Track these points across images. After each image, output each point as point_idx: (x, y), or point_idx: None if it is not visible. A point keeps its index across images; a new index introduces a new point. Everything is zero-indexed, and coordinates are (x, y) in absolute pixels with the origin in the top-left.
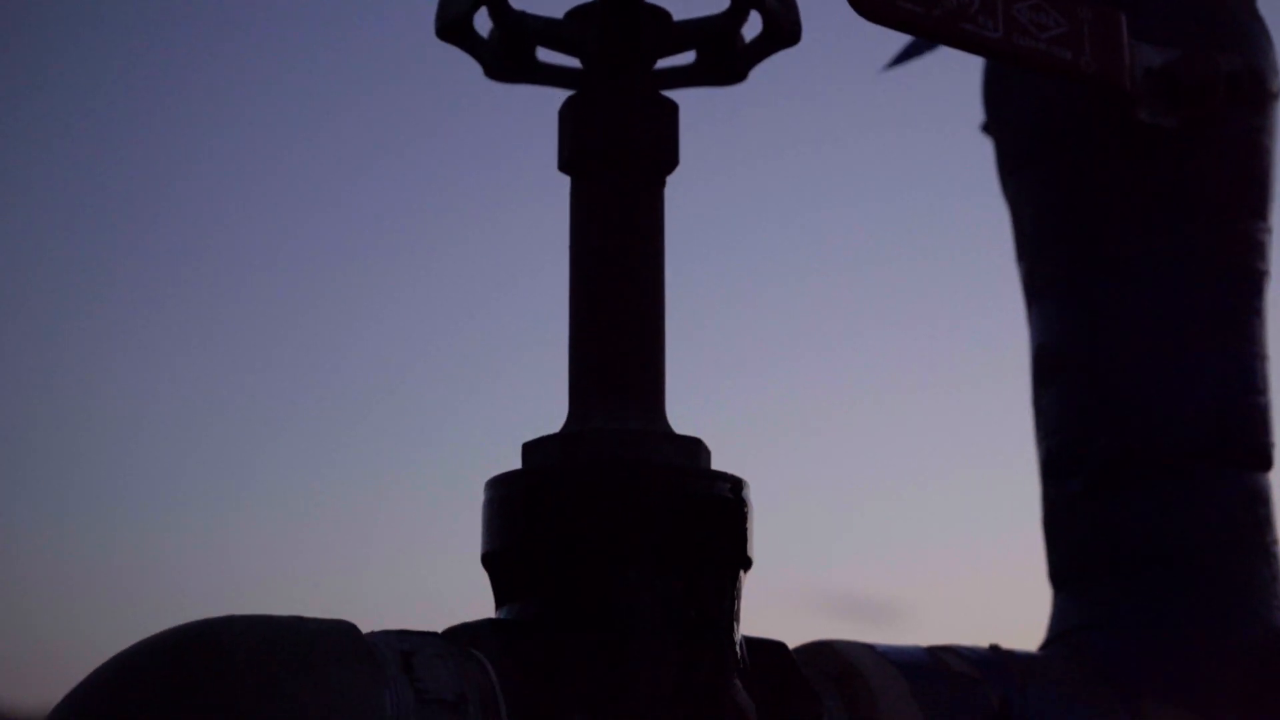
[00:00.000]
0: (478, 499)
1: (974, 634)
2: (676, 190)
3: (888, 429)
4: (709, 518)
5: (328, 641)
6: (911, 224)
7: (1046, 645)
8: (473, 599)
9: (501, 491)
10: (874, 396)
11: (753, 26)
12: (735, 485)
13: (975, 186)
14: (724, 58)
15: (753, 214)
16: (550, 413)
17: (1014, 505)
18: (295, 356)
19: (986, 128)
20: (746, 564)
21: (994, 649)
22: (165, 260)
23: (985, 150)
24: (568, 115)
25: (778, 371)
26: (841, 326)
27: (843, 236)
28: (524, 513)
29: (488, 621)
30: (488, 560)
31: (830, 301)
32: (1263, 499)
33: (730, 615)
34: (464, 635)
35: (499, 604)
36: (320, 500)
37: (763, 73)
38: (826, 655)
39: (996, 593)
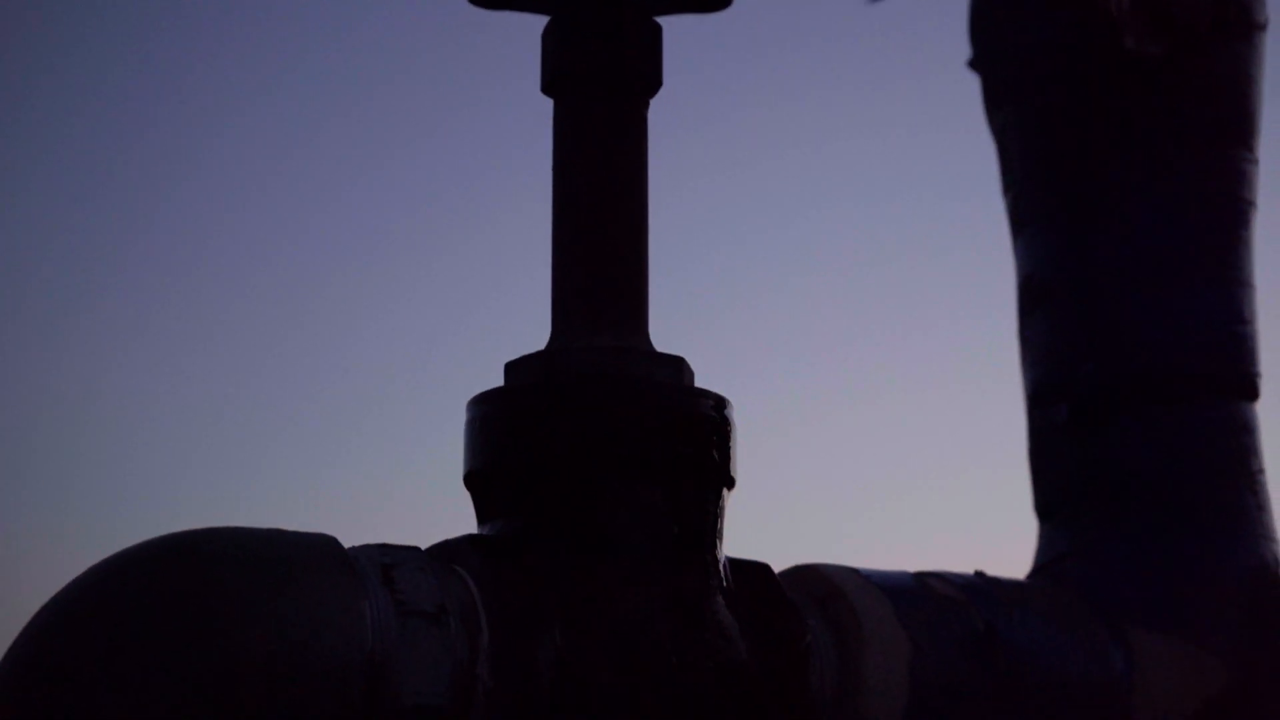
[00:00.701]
0: (459, 423)
1: None
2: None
3: (885, 425)
4: (691, 434)
5: (308, 552)
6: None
7: (1033, 575)
8: (457, 522)
9: (483, 410)
10: (871, 395)
11: None
12: (718, 403)
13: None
14: None
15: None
16: (534, 338)
17: (1014, 503)
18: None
19: (973, 63)
20: (729, 482)
21: (979, 575)
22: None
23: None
24: (550, 38)
25: (776, 369)
26: (841, 324)
27: (834, 225)
28: (506, 430)
29: (468, 537)
30: (470, 480)
31: (828, 300)
32: (1249, 428)
33: (713, 533)
34: (445, 551)
35: (481, 523)
36: (298, 421)
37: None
38: (811, 578)
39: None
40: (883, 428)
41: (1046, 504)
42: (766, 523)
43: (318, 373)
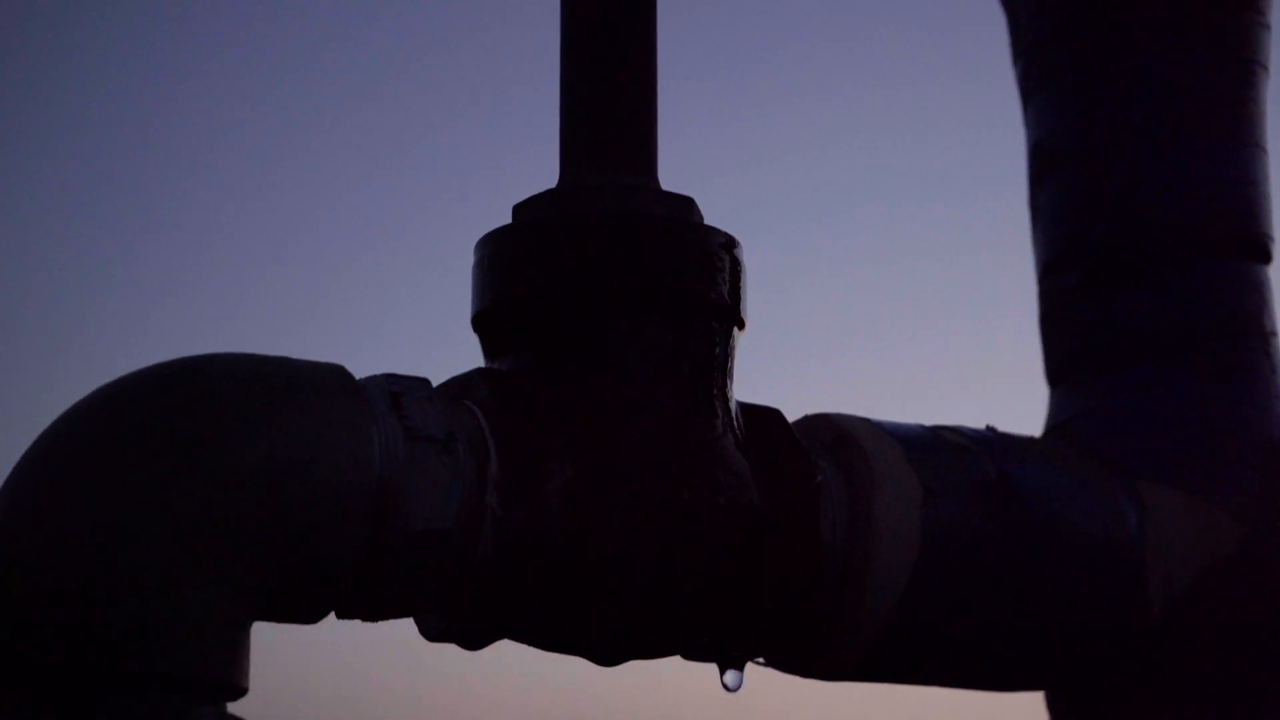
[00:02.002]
0: (467, 267)
1: None
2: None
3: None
4: (702, 271)
5: (316, 376)
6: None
7: (1044, 437)
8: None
9: (492, 248)
10: (867, 396)
11: None
12: (729, 241)
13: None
14: None
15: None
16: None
17: (1025, 374)
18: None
19: None
20: (740, 322)
21: (990, 429)
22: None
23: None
24: None
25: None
26: (841, 323)
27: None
28: (515, 266)
29: (478, 370)
30: (479, 321)
31: (824, 300)
32: (1261, 290)
33: (724, 373)
34: (454, 386)
35: (489, 362)
36: (307, 268)
37: None
38: (821, 426)
39: None
40: (892, 302)
41: (1057, 369)
42: (772, 382)
43: (317, 245)
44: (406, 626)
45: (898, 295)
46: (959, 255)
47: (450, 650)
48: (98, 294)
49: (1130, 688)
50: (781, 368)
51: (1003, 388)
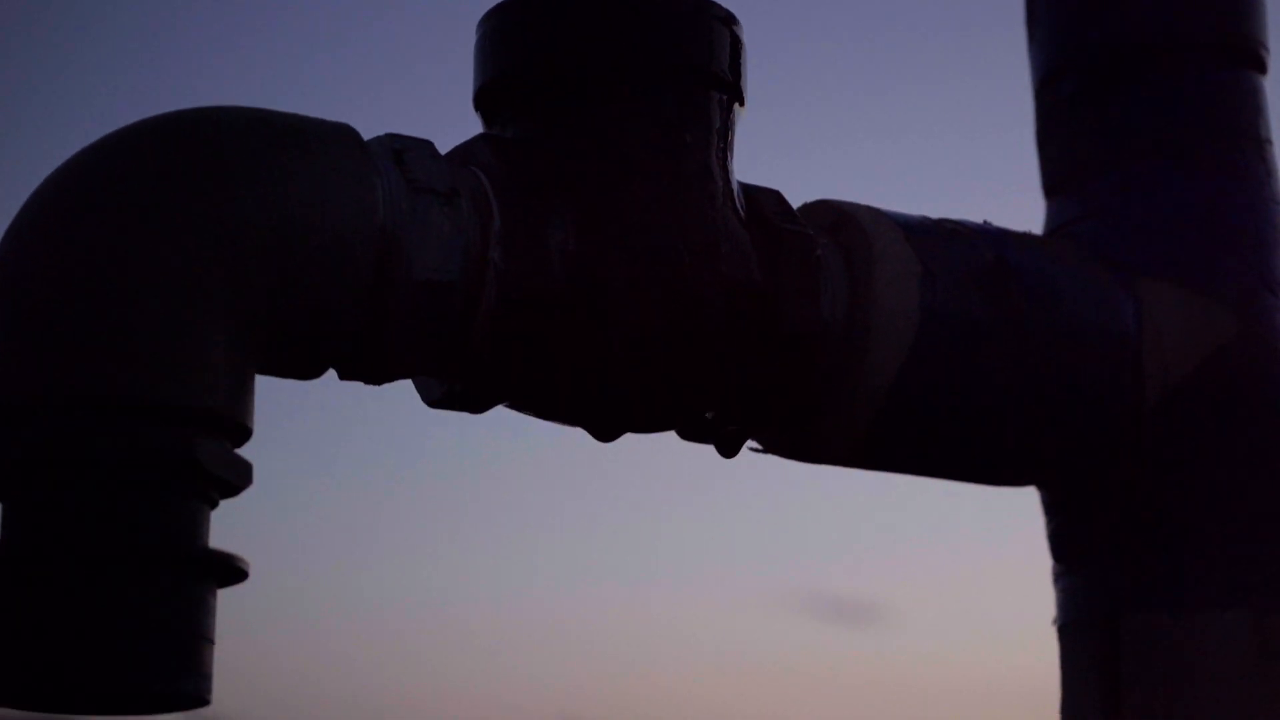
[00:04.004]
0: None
1: (972, 641)
2: None
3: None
4: (703, 42)
5: (322, 128)
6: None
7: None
8: None
9: (495, 22)
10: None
11: None
12: (728, 17)
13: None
14: None
15: None
16: None
17: (1008, 509)
18: None
19: None
20: (740, 98)
21: (987, 223)
22: None
23: None
24: None
25: None
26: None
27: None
28: (518, 39)
29: (481, 135)
30: (481, 97)
31: (817, 115)
32: (1256, 98)
33: (724, 146)
34: (458, 152)
35: None
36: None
37: None
38: (821, 210)
39: (987, 594)
40: (886, 118)
41: (1054, 178)
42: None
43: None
44: (407, 624)
45: (892, 112)
46: (956, 76)
47: (448, 648)
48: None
49: (1125, 481)
50: (775, 179)
51: (997, 209)
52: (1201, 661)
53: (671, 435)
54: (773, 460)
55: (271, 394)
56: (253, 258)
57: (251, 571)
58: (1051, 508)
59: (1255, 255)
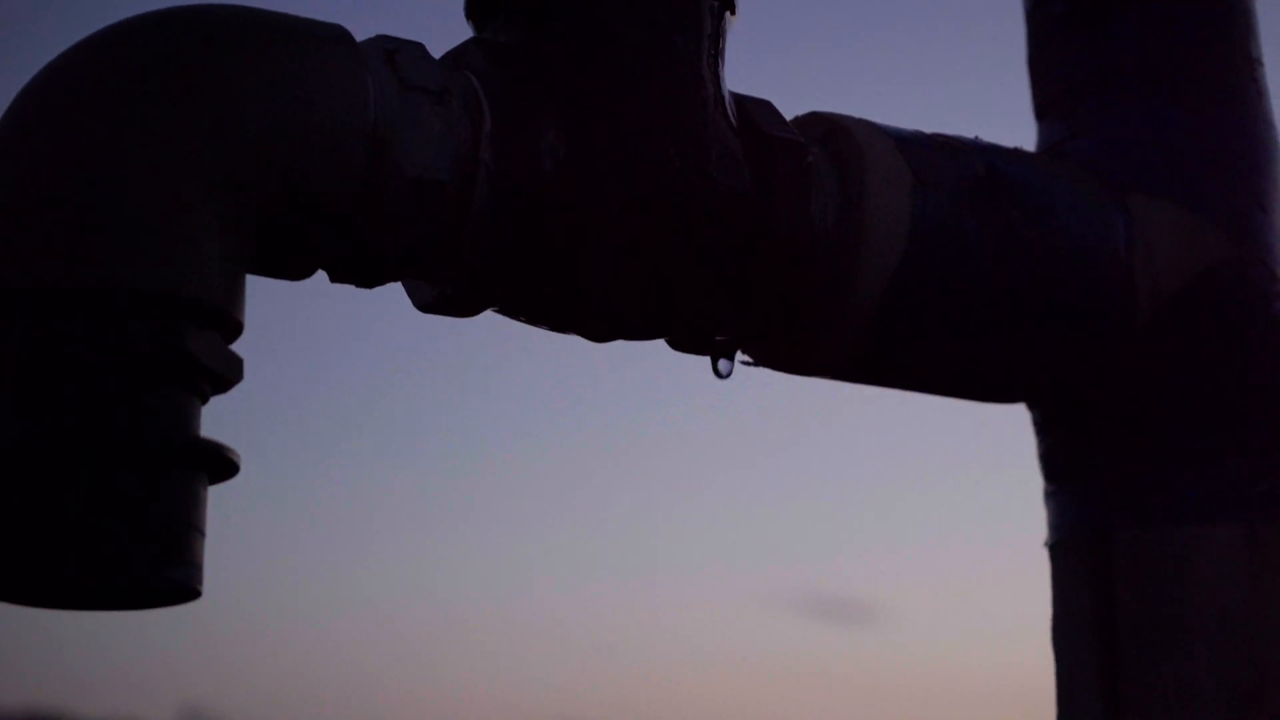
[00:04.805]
0: None
1: (966, 641)
2: None
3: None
4: None
5: (313, 27)
6: None
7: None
8: None
9: None
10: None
11: None
12: None
13: None
14: None
15: None
16: None
17: (1002, 507)
18: None
19: None
20: (732, 6)
21: (978, 139)
22: None
23: None
24: None
25: None
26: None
27: None
28: None
29: (472, 40)
30: (471, 6)
31: (806, 40)
32: (1248, 17)
33: (715, 51)
34: (448, 56)
35: None
36: None
37: None
38: (813, 121)
39: (983, 594)
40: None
41: (1046, 100)
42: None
43: None
44: (407, 624)
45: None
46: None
47: (447, 648)
48: None
49: (1117, 396)
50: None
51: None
52: (1194, 574)
53: (670, 440)
54: (771, 461)
55: (272, 393)
56: (245, 150)
57: (243, 561)
58: (1043, 426)
59: (1246, 174)
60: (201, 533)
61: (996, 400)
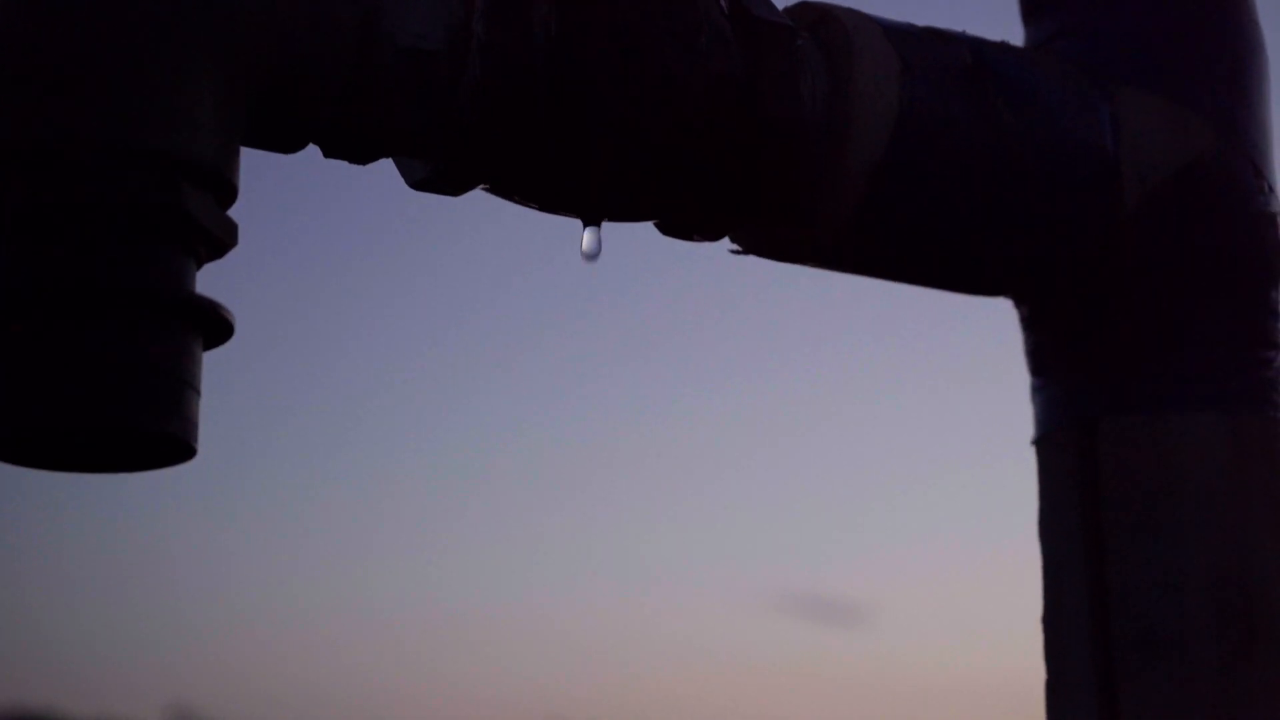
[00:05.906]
0: None
1: (954, 641)
2: None
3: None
4: None
5: None
6: None
7: None
8: None
9: None
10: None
11: None
12: None
13: None
14: None
15: None
16: None
17: (991, 509)
18: None
19: None
20: None
21: (965, 33)
22: None
23: None
24: None
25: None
26: (831, 329)
27: None
28: None
29: None
30: None
31: (817, 303)
32: None
33: None
34: None
35: None
36: None
37: None
38: (803, 9)
39: (973, 595)
40: None
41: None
42: None
43: None
44: (405, 625)
45: None
46: None
47: (447, 644)
48: None
49: (1103, 288)
50: None
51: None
52: (1180, 462)
53: (666, 444)
54: (763, 464)
55: (271, 394)
56: (238, 16)
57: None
58: (1030, 321)
59: (1232, 69)
60: (197, 392)
61: (983, 292)
